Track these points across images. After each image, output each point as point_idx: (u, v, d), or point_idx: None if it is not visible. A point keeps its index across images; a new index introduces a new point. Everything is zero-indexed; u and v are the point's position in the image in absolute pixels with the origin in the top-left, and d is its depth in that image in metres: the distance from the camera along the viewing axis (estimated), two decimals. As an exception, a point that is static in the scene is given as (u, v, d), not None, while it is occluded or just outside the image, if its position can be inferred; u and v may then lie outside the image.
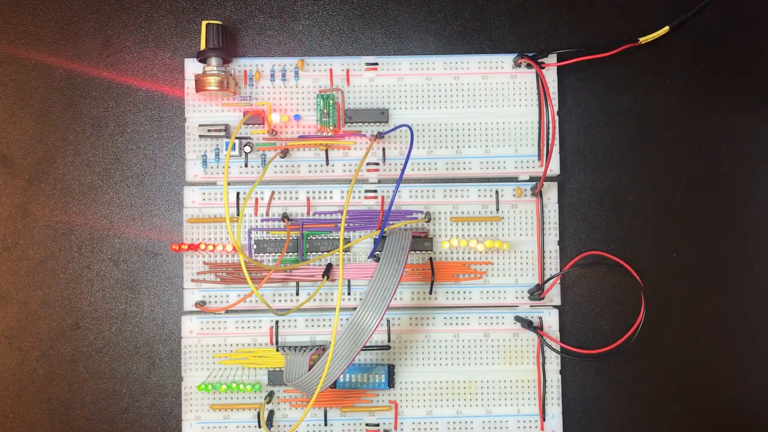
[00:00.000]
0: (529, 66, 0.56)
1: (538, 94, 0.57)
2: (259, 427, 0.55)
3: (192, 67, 0.56)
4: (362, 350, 0.50)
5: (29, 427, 0.56)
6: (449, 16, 0.58)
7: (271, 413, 0.55)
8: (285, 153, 0.55)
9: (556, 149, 0.56)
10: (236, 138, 0.56)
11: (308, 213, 0.56)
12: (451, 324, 0.56)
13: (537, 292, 0.56)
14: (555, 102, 0.57)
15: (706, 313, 0.57)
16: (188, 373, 0.56)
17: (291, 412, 0.56)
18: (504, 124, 0.57)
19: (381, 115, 0.56)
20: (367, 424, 0.56)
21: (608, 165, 0.58)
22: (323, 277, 0.55)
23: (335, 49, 0.58)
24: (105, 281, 0.56)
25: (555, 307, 0.56)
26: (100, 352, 0.56)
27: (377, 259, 0.54)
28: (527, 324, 0.55)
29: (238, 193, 0.56)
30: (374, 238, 0.56)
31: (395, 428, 0.56)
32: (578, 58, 0.56)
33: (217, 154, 0.56)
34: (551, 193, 0.57)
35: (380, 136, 0.55)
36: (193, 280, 0.56)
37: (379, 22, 0.58)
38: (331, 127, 0.56)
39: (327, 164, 0.56)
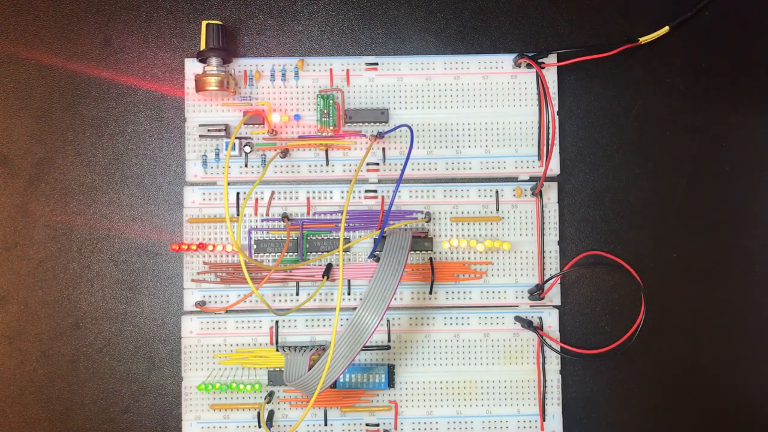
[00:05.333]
0: (529, 66, 0.56)
1: (538, 94, 0.57)
2: (259, 427, 0.55)
3: (192, 67, 0.56)
4: (362, 350, 0.50)
5: (29, 427, 0.56)
6: (449, 16, 0.58)
7: (271, 413, 0.55)
8: (285, 153, 0.55)
9: (556, 149, 0.56)
10: (236, 138, 0.56)
11: (308, 213, 0.56)
12: (451, 324, 0.56)
13: (537, 292, 0.56)
14: (555, 102, 0.57)
15: (706, 313, 0.57)
16: (188, 373, 0.56)
17: (291, 412, 0.56)
18: (504, 124, 0.57)
19: (381, 115, 0.56)
20: (367, 424, 0.56)
21: (608, 165, 0.57)
22: (323, 277, 0.55)
23: (335, 49, 0.58)
24: (105, 281, 0.56)
25: (555, 307, 0.56)
26: (100, 352, 0.56)
27: (377, 259, 0.54)
28: (527, 324, 0.55)
29: (238, 193, 0.56)
30: (374, 238, 0.56)
31: (395, 428, 0.56)
32: (578, 58, 0.56)
33: (217, 154, 0.56)
34: (551, 193, 0.57)
35: (380, 136, 0.55)
36: (193, 280, 0.56)
37: (379, 22, 0.58)
38: (331, 127, 0.56)
39: (327, 164, 0.56)
